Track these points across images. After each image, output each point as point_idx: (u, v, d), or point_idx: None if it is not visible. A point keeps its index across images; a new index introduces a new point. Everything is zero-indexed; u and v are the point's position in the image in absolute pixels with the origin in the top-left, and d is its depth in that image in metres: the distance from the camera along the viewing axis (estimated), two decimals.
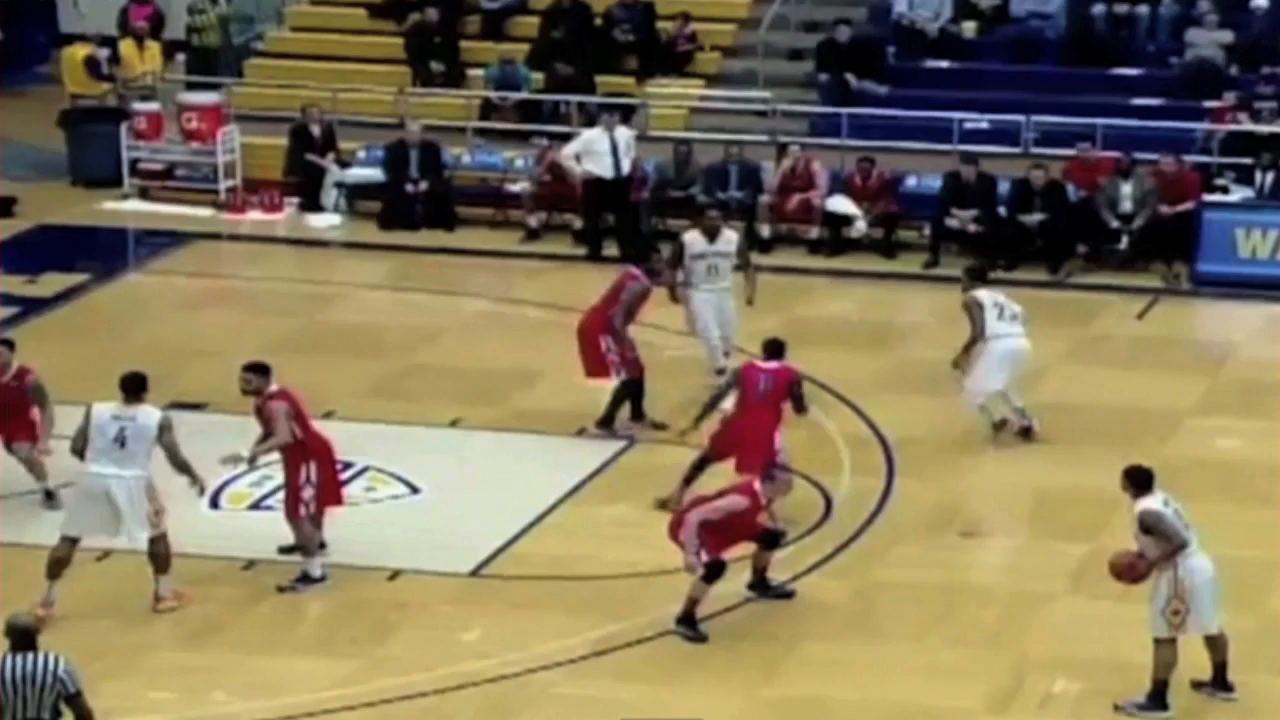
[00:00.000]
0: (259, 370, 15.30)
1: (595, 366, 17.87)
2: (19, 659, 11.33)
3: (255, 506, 16.62)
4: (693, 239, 18.72)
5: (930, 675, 14.19)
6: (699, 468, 16.31)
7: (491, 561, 15.73)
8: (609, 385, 17.95)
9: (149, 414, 14.68)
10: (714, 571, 14.48)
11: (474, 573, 15.62)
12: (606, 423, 17.79)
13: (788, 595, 15.18)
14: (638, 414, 17.87)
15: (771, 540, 14.99)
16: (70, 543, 14.61)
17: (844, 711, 13.78)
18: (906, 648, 14.57)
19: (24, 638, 11.44)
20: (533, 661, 14.07)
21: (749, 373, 16.46)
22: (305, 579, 15.06)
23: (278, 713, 13.47)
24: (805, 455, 17.46)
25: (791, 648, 14.55)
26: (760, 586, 15.12)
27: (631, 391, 17.82)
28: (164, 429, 14.66)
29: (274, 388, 15.20)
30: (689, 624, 14.54)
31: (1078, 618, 14.89)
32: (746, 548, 14.93)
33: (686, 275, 18.63)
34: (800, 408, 16.60)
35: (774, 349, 16.49)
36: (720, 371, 18.28)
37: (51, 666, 11.31)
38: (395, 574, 15.50)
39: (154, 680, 13.79)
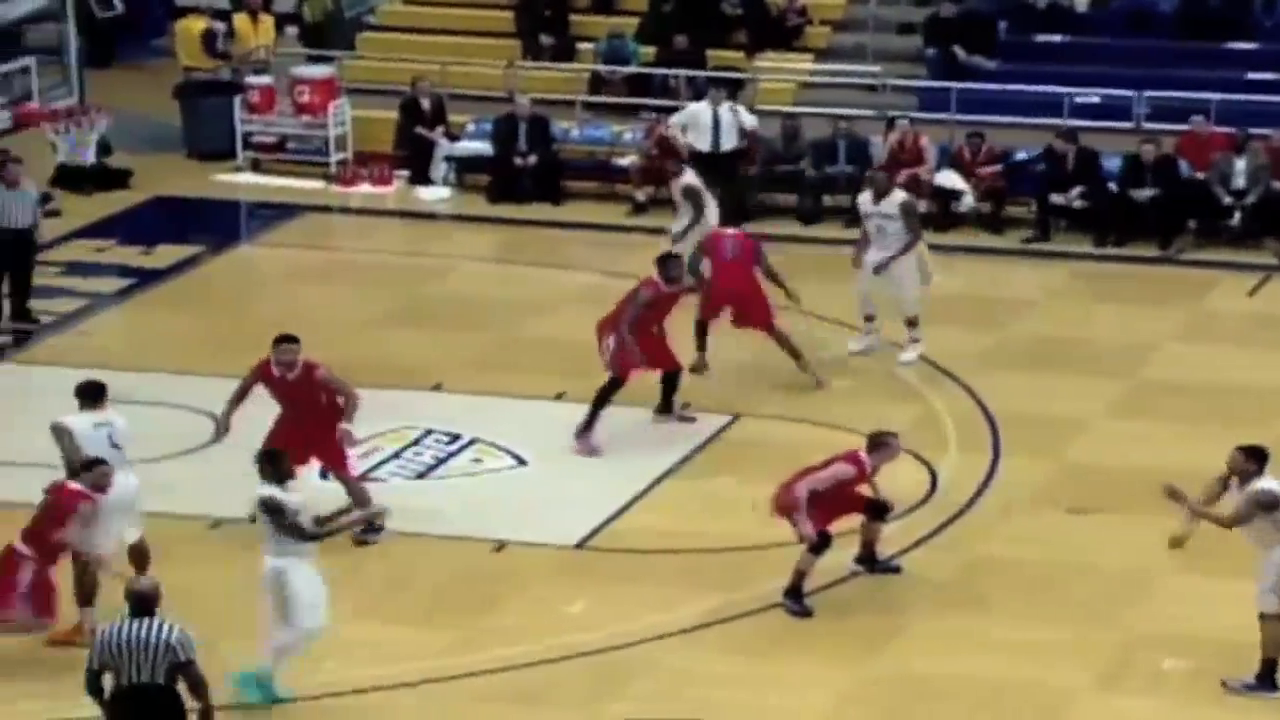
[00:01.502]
0: (296, 340, 15.33)
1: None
2: (135, 624, 11.40)
3: (362, 478, 16.65)
4: (862, 199, 19.07)
5: (1037, 652, 14.08)
6: (702, 333, 18.07)
7: (597, 534, 15.72)
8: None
9: (119, 417, 14.33)
10: (821, 544, 14.41)
11: (579, 545, 15.62)
12: (587, 427, 17.21)
13: (894, 570, 15.10)
14: (588, 424, 17.18)
15: (879, 511, 14.89)
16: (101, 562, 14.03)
17: (950, 688, 13.69)
18: (1013, 624, 14.46)
19: (141, 603, 11.51)
20: (637, 634, 14.05)
21: (716, 240, 18.48)
22: (373, 528, 15.17)
23: (385, 681, 13.51)
24: (912, 431, 17.37)
25: (897, 623, 14.48)
26: (868, 561, 15.04)
27: (606, 392, 17.21)
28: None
29: (303, 356, 15.28)
30: (795, 597, 14.48)
31: (1187, 595, 14.74)
32: (850, 521, 14.84)
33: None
34: (773, 277, 18.05)
35: (734, 217, 18.83)
36: (867, 319, 19.00)
37: (165, 634, 11.38)
38: (501, 545, 15.51)
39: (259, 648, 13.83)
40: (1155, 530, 15.73)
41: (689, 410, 17.66)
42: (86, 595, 13.72)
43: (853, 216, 21.80)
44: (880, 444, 14.61)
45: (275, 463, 13.35)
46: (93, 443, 14.01)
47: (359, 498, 15.34)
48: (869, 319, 19.05)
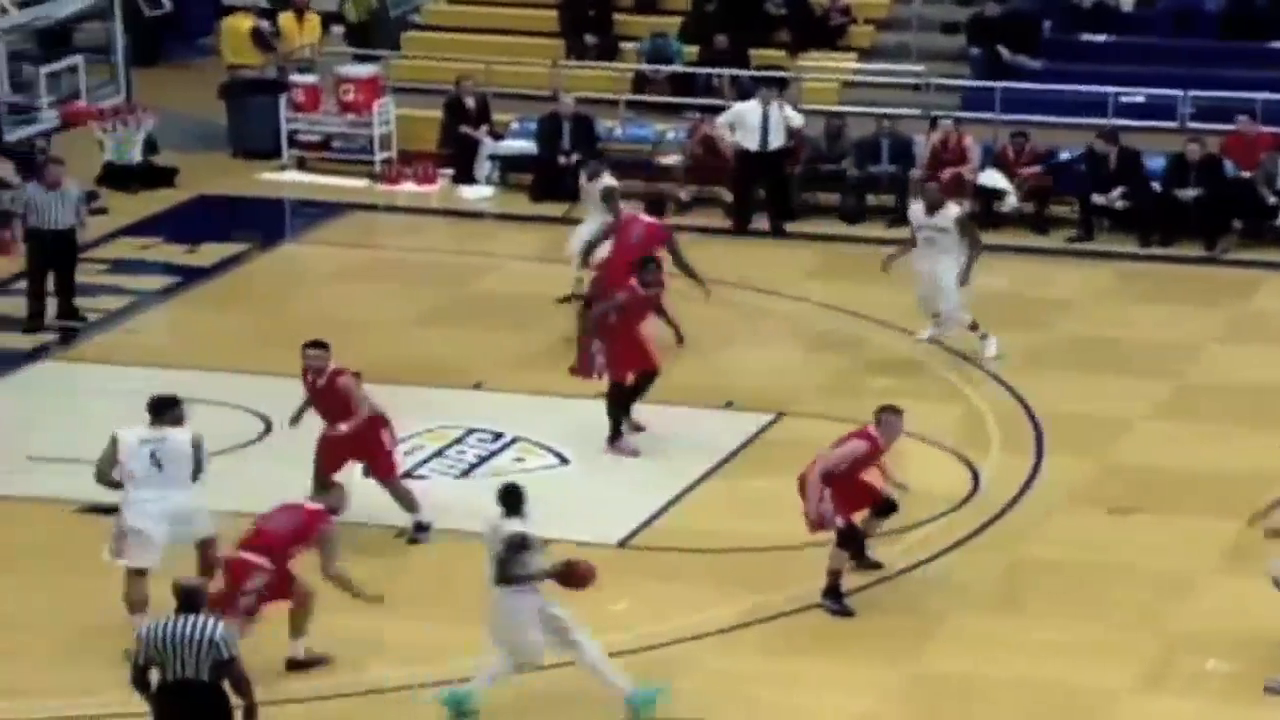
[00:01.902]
0: (325, 346, 15.36)
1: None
2: (180, 620, 11.47)
3: (407, 475, 16.72)
4: (914, 210, 18.97)
5: (1078, 653, 14.05)
6: (588, 304, 18.24)
7: (638, 533, 15.75)
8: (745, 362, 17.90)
9: (179, 434, 14.04)
10: (848, 538, 14.43)
11: (622, 544, 15.64)
12: (614, 437, 17.19)
13: (876, 566, 15.01)
14: (615, 432, 17.12)
15: (886, 510, 14.89)
16: (141, 574, 14.00)
17: (991, 688, 13.68)
18: (1054, 625, 14.44)
19: (187, 600, 11.58)
20: (679, 633, 14.07)
21: (630, 222, 18.63)
22: (421, 528, 15.39)
23: (429, 679, 13.53)
24: (954, 431, 17.39)
25: (938, 623, 14.47)
26: (858, 554, 14.96)
27: (615, 395, 17.16)
28: (196, 447, 14.06)
29: (334, 364, 15.23)
30: (835, 597, 14.49)
31: (1229, 597, 14.69)
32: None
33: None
34: (685, 268, 18.16)
35: (654, 208, 18.89)
36: (934, 316, 18.86)
37: (209, 632, 11.44)
38: (545, 544, 15.51)
39: (317, 645, 13.87)
40: (1198, 531, 15.75)
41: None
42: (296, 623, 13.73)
43: (897, 217, 21.90)
44: (888, 414, 14.64)
45: (513, 497, 13.11)
46: (135, 457, 13.87)
47: (406, 502, 15.47)
48: (936, 315, 18.97)
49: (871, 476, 14.75)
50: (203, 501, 14.07)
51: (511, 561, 12.92)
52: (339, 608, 14.44)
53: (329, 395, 15.35)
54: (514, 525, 13.01)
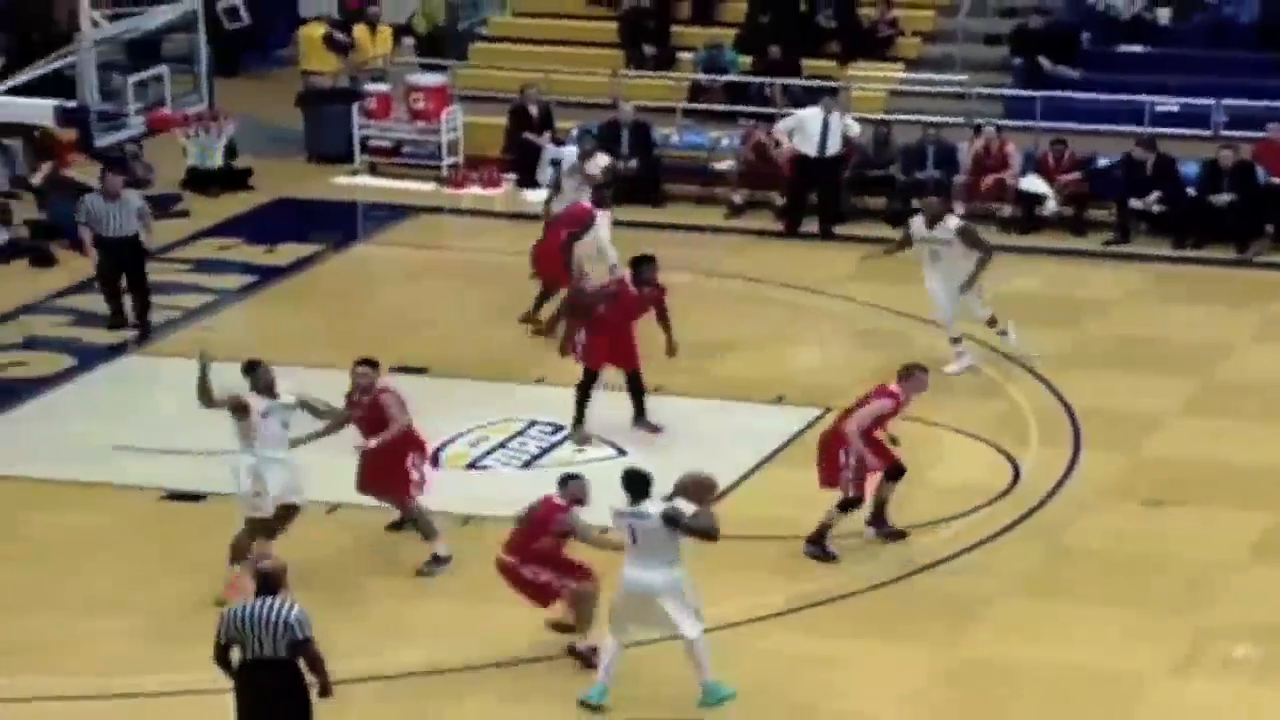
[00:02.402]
0: (375, 365, 14.95)
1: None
2: (259, 602, 11.54)
3: (472, 466, 16.80)
4: (914, 224, 18.56)
5: (1113, 639, 14.01)
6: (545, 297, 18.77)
7: None
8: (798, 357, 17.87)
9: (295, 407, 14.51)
10: (853, 504, 14.78)
11: None
12: (577, 422, 17.07)
13: (900, 536, 15.11)
14: (579, 417, 17.05)
15: (896, 473, 14.96)
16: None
17: (1028, 672, 13.64)
18: (1091, 612, 14.39)
19: (265, 582, 11.65)
20: (730, 617, 14.05)
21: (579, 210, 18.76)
22: (436, 560, 14.79)
23: (496, 659, 13.58)
24: (995, 425, 17.35)
25: (979, 609, 14.44)
26: (879, 523, 15.11)
27: (585, 381, 17.05)
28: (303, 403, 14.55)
29: (381, 381, 14.94)
30: (819, 544, 14.76)
31: (1260, 586, 14.63)
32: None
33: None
34: (565, 251, 18.44)
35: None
36: (954, 340, 18.38)
37: (284, 613, 11.49)
38: (604, 530, 15.54)
39: (378, 627, 13.96)
40: (1231, 523, 15.69)
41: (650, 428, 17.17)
42: (581, 623, 13.55)
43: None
44: (910, 374, 14.87)
45: (638, 482, 12.96)
46: (262, 432, 14.33)
47: (424, 529, 14.95)
48: (957, 340, 18.48)
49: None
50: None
51: (688, 529, 12.80)
52: (408, 594, 14.54)
53: (372, 409, 14.98)
54: (652, 506, 12.84)
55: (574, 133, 22.21)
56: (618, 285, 17.19)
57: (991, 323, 18.61)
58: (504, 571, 13.45)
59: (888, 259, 18.84)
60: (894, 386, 14.93)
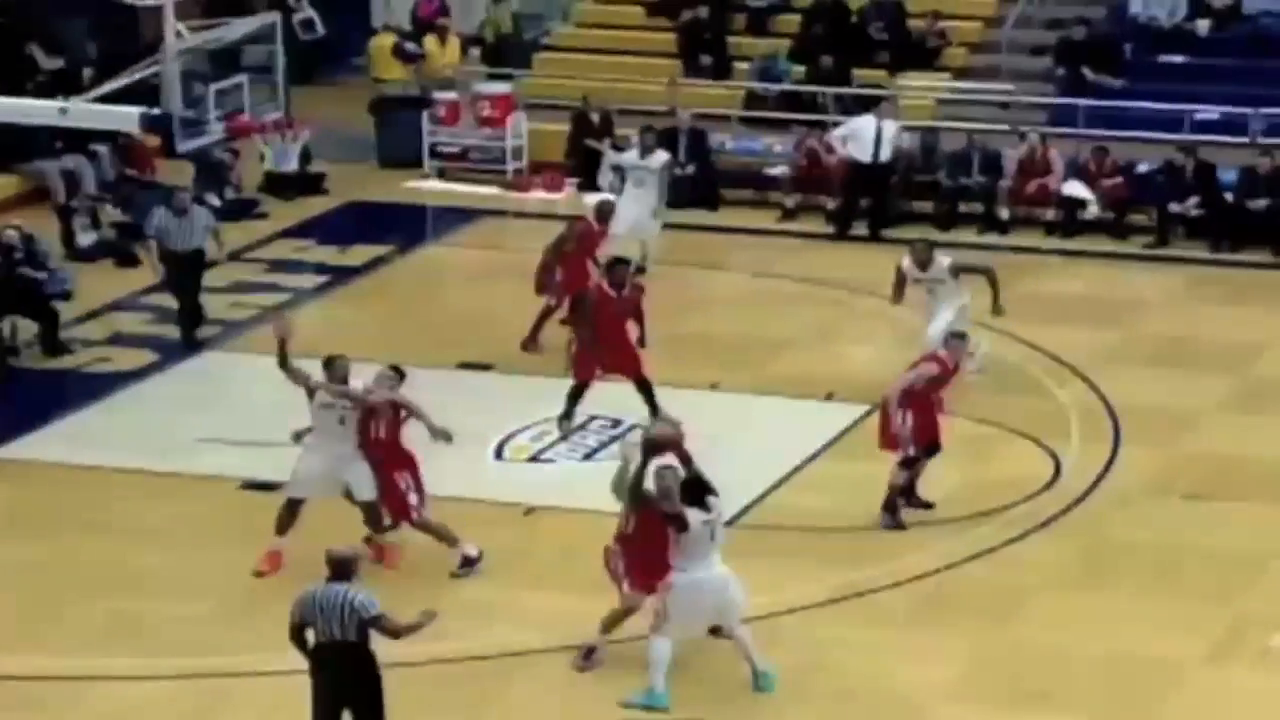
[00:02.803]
0: (403, 376, 14.71)
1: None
2: (330, 587, 11.61)
3: (534, 459, 16.85)
4: (906, 266, 17.91)
5: (1153, 627, 13.96)
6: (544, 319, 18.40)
7: (747, 512, 15.74)
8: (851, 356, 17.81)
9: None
10: (912, 462, 15.04)
11: (731, 522, 15.60)
12: (563, 418, 16.97)
13: (928, 506, 15.33)
14: (567, 414, 16.97)
15: (933, 449, 15.24)
16: (295, 504, 14.60)
17: (1070, 659, 13.60)
18: (1130, 602, 14.35)
19: (336, 568, 11.72)
20: (784, 605, 14.07)
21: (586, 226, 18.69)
22: (467, 562, 14.54)
23: (554, 644, 13.64)
24: (1038, 422, 17.31)
25: (1022, 599, 14.41)
26: (908, 494, 15.31)
27: (576, 392, 17.00)
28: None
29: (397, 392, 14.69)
30: (891, 512, 15.00)
31: None
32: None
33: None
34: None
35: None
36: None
37: (350, 596, 11.56)
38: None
39: (449, 612, 13.99)
40: (1264, 516, 15.63)
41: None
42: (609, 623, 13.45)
43: (985, 221, 21.76)
44: (955, 339, 15.35)
45: (700, 488, 12.99)
46: (321, 420, 14.50)
47: (443, 539, 14.67)
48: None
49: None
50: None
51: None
52: (469, 581, 14.59)
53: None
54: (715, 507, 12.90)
55: (633, 139, 22.29)
56: (597, 293, 16.94)
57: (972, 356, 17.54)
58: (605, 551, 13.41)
59: (900, 298, 18.12)
60: (941, 352, 15.26)
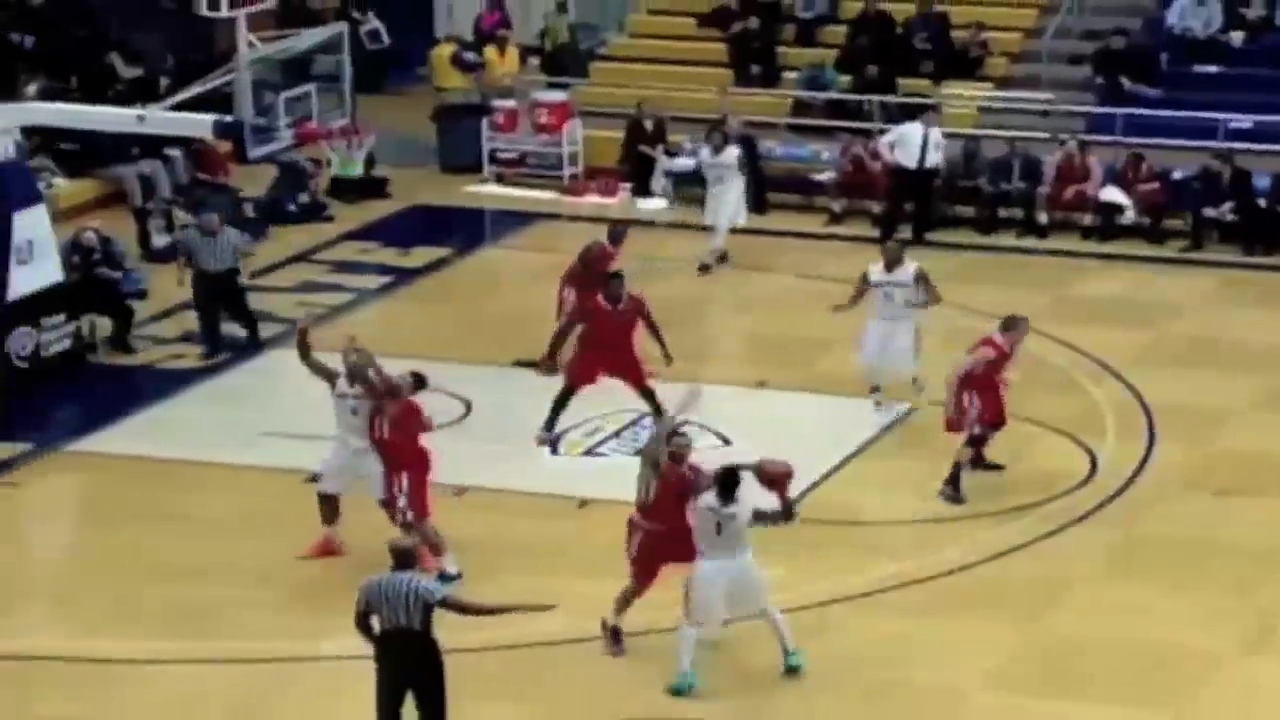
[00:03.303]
0: (425, 384, 14.40)
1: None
2: (394, 576, 11.59)
3: (589, 453, 16.80)
4: (873, 269, 17.15)
5: (1186, 619, 13.84)
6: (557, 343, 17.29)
7: (794, 505, 15.63)
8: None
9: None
10: (977, 440, 15.32)
11: None
12: (547, 425, 16.68)
13: (998, 468, 15.64)
14: (549, 423, 16.68)
15: (999, 425, 15.49)
16: (329, 496, 14.55)
17: (1106, 649, 13.48)
18: (1163, 594, 14.22)
19: (399, 558, 11.69)
20: (826, 595, 13.99)
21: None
22: (444, 577, 13.78)
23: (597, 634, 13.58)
24: (1075, 419, 17.18)
25: (1057, 591, 14.29)
26: (977, 460, 15.57)
27: (564, 397, 16.73)
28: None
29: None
30: (954, 485, 15.23)
31: None
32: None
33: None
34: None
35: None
36: (874, 389, 17.13)
37: (413, 584, 11.54)
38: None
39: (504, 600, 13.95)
40: None
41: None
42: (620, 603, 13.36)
43: (1025, 226, 21.60)
44: (1014, 323, 15.43)
45: (732, 482, 12.88)
46: (338, 411, 14.49)
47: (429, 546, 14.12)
48: (877, 388, 17.20)
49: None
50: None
51: (769, 521, 12.92)
52: (528, 571, 14.55)
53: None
54: (740, 505, 12.81)
55: (686, 145, 22.28)
56: (592, 306, 16.68)
57: (918, 390, 17.08)
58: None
59: (853, 306, 17.49)
60: (998, 337, 15.38)
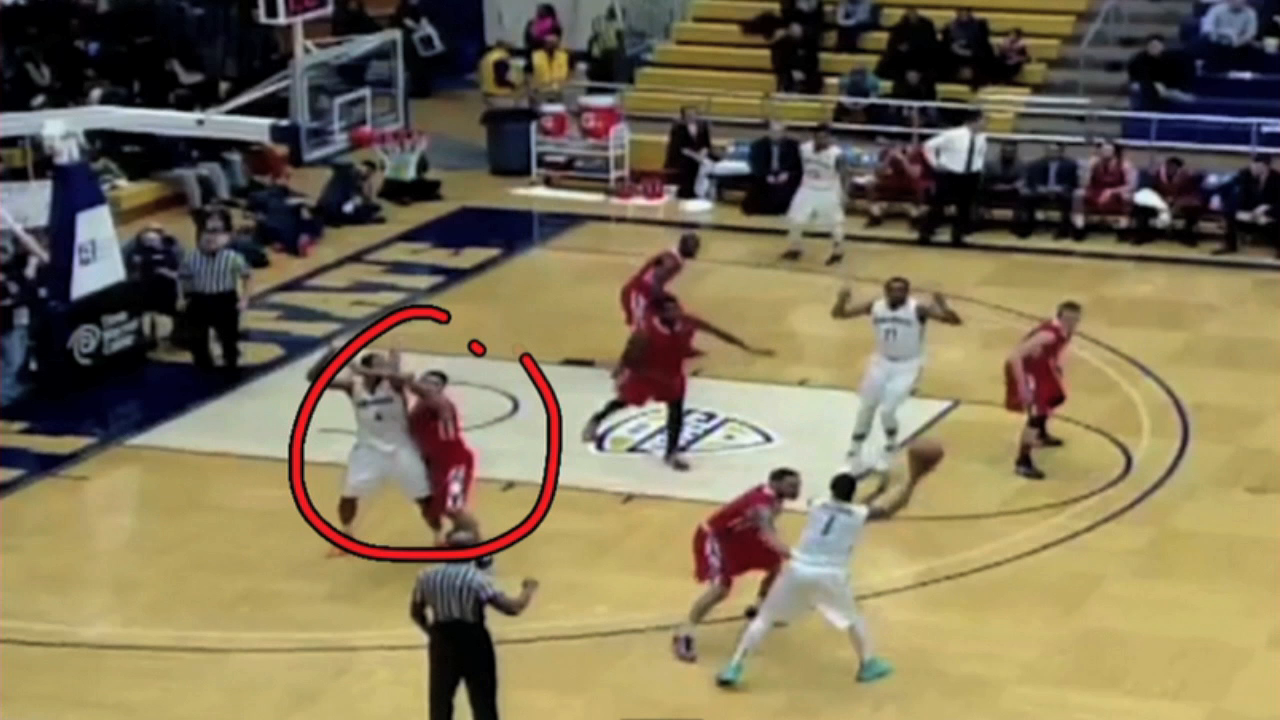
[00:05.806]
0: (445, 381, 14.46)
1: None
2: (449, 569, 11.62)
3: (634, 449, 16.82)
4: (877, 307, 16.32)
5: (1219, 614, 13.79)
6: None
7: None
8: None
9: (391, 397, 14.39)
10: (1038, 421, 15.86)
11: None
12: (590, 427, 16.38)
13: (1057, 443, 16.14)
14: (595, 423, 16.38)
15: (1058, 400, 15.94)
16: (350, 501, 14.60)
17: (1139, 644, 13.46)
18: (1196, 589, 14.18)
19: (454, 550, 11.80)
20: (865, 589, 13.96)
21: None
22: (480, 562, 13.54)
23: (650, 625, 13.61)
24: (1110, 418, 17.13)
25: (1092, 586, 14.26)
26: (1041, 433, 15.98)
27: (614, 402, 16.44)
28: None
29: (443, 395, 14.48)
30: (1026, 464, 15.76)
31: None
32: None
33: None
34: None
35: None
36: (858, 438, 16.12)
37: (466, 578, 11.59)
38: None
39: (548, 594, 13.97)
40: None
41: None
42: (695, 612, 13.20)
43: (1061, 228, 21.47)
44: (1067, 310, 15.94)
45: (848, 486, 12.92)
46: (361, 418, 14.46)
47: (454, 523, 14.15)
48: (860, 438, 16.19)
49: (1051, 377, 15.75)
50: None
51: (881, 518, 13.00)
52: (575, 564, 14.59)
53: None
54: (858, 507, 12.87)
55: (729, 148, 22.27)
56: (649, 331, 16.43)
57: (890, 434, 16.20)
58: (695, 536, 13.32)
59: (842, 312, 17.46)
60: (1055, 321, 15.91)
